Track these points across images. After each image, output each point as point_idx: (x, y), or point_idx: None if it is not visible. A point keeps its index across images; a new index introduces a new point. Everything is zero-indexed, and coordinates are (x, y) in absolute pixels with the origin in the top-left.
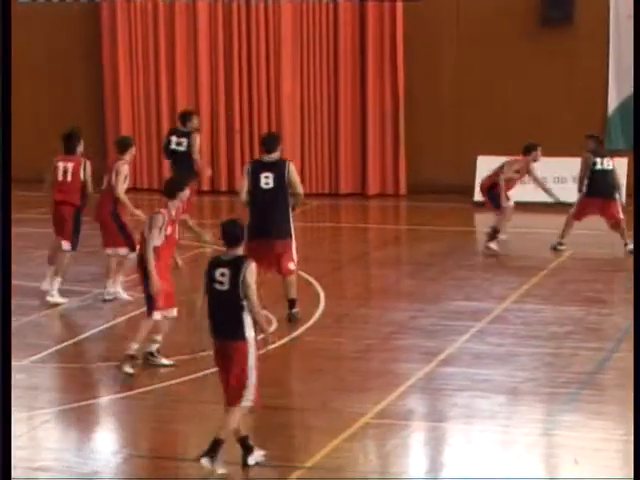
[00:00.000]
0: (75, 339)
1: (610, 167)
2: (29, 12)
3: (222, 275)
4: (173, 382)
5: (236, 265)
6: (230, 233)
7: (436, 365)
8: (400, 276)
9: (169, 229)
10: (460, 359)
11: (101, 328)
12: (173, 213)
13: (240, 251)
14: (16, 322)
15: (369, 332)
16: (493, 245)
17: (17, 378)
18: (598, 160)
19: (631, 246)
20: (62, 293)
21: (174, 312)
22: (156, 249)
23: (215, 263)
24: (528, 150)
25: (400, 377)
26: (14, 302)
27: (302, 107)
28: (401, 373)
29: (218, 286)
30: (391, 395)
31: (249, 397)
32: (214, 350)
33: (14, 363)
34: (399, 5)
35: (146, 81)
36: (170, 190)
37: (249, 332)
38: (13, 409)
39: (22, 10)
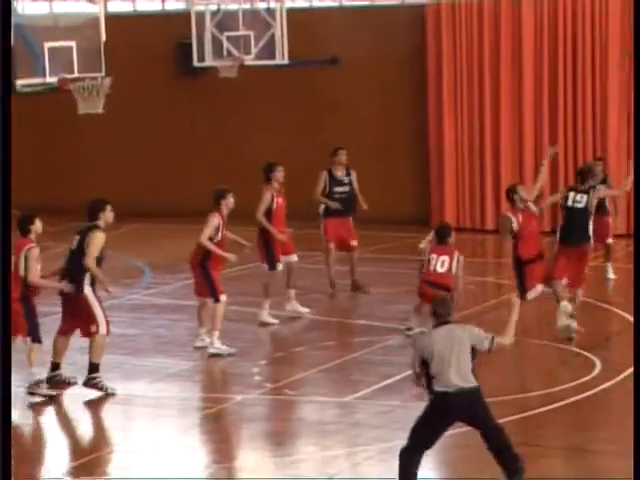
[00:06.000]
0: (397, 377)
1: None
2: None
3: None
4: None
5: None
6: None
7: None
8: None
9: None
10: None
11: None
12: None
13: None
14: (340, 359)
15: None
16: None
17: (339, 414)
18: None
19: None
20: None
21: None
22: None
23: None
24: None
25: None
26: (339, 340)
27: (629, 150)
28: None
29: None
30: None
31: None
32: None
33: (337, 399)
34: None
35: (470, 98)
36: None
37: None
38: (333, 446)
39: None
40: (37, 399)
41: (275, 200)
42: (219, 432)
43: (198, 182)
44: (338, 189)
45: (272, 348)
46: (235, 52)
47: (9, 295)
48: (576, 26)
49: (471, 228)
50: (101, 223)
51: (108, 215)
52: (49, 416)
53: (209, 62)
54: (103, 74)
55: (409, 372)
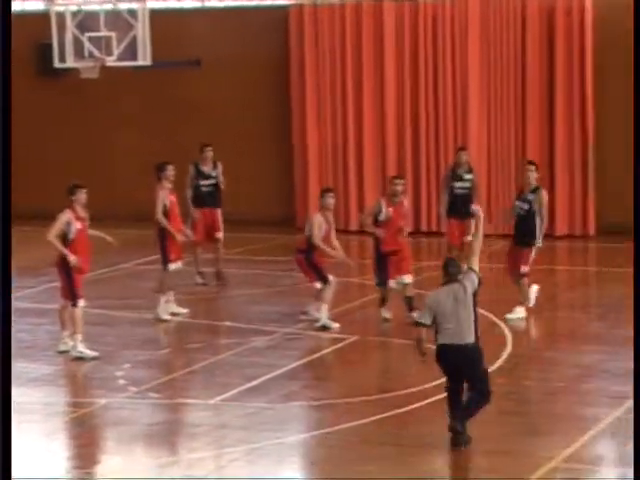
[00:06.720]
0: (263, 378)
1: None
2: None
3: None
4: (359, 422)
5: None
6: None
7: (626, 411)
8: (589, 319)
9: None
10: None
11: (289, 367)
12: None
13: None
14: (206, 361)
15: (557, 374)
16: None
17: (205, 416)
18: None
19: None
20: (252, 332)
21: None
22: None
23: None
24: None
25: (589, 421)
26: (205, 341)
27: (489, 150)
28: (589, 417)
29: None
30: (580, 439)
31: None
32: None
33: (203, 401)
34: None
35: (333, 98)
36: None
37: None
38: (200, 448)
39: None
40: None
41: (168, 198)
42: (83, 436)
43: (60, 183)
44: (204, 182)
45: (136, 351)
46: (96, 53)
47: (9, 295)
48: (436, 27)
49: (335, 229)
50: None
51: None
52: None
53: (70, 63)
54: None
55: (275, 373)
